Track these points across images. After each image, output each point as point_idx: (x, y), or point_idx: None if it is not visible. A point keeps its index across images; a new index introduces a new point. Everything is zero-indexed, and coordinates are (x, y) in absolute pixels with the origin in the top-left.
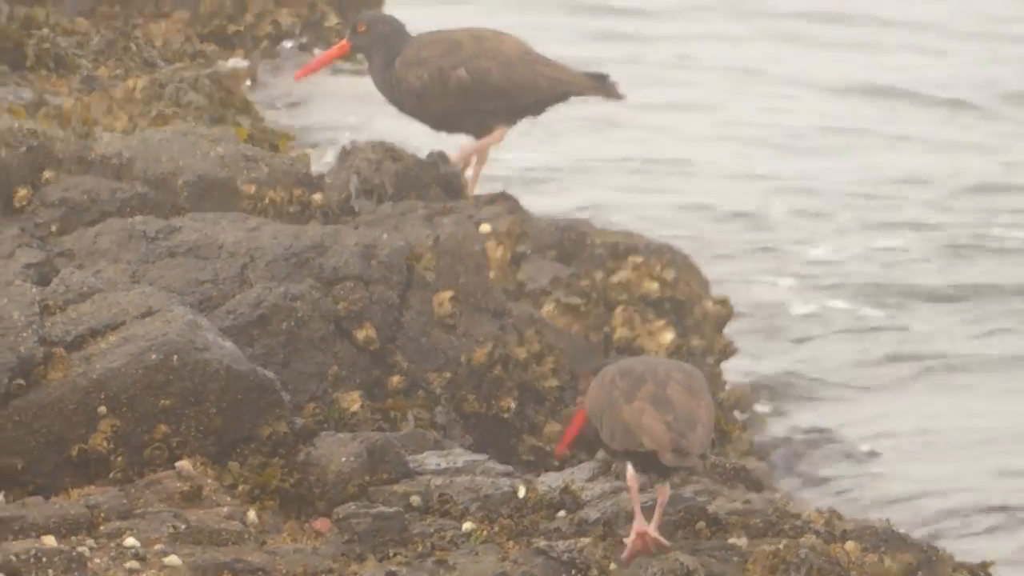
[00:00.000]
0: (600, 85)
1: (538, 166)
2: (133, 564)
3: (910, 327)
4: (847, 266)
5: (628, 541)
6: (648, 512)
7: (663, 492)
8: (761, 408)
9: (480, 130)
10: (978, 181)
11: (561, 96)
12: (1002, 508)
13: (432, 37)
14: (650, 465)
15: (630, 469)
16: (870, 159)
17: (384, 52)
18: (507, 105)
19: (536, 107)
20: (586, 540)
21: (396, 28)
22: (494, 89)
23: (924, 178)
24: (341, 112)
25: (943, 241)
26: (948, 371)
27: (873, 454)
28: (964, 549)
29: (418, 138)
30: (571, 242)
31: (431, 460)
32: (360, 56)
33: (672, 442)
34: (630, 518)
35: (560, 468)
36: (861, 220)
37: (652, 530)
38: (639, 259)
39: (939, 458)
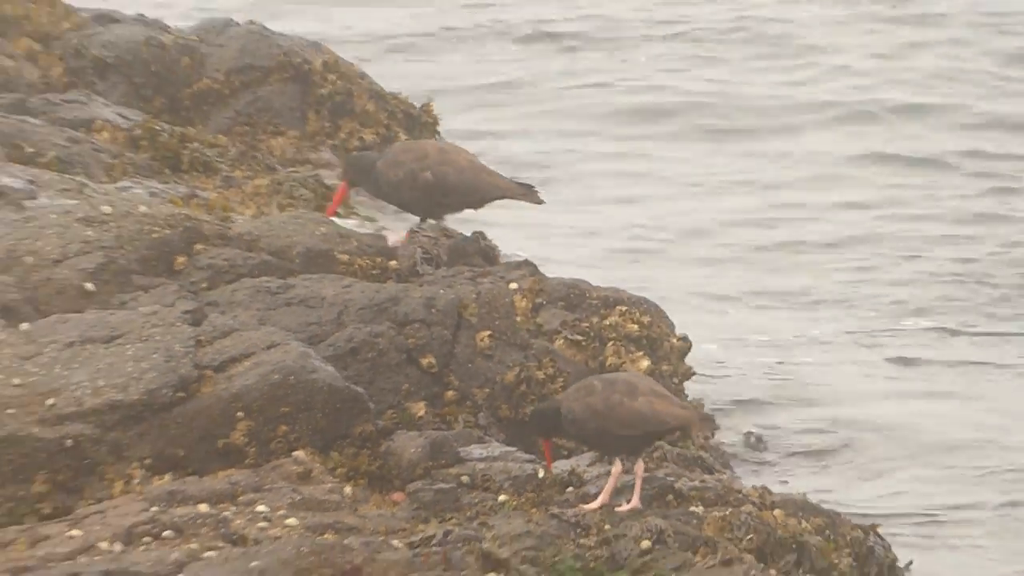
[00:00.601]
0: (526, 192)
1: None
2: (263, 524)
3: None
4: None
5: (622, 508)
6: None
7: (640, 466)
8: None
9: (434, 215)
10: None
11: (497, 197)
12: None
13: (407, 145)
14: (654, 441)
15: (639, 462)
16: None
17: (365, 173)
18: (458, 200)
19: (478, 203)
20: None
21: (364, 158)
22: (450, 188)
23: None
24: None
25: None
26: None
27: (793, 451)
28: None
29: (463, 225)
30: (575, 295)
31: (476, 451)
32: None
33: (698, 415)
34: (618, 492)
35: (568, 456)
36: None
37: (636, 499)
38: (624, 308)
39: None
